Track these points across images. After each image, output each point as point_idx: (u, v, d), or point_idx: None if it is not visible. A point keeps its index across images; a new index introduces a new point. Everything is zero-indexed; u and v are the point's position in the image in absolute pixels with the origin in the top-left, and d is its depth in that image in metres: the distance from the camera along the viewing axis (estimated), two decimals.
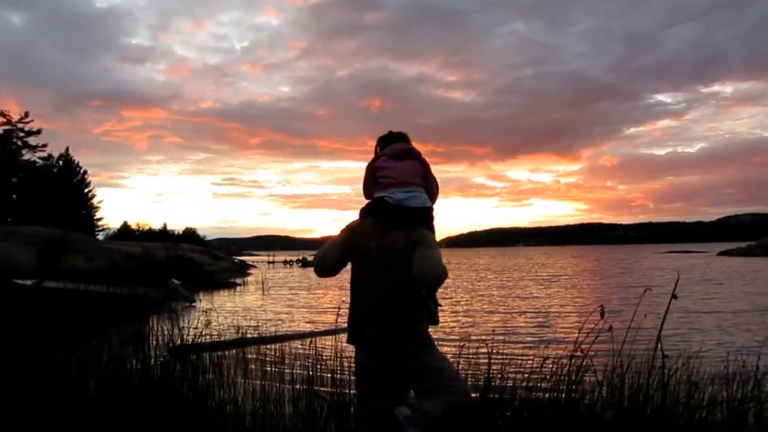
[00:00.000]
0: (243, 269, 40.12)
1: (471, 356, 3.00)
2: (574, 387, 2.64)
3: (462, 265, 47.23)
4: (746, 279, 24.57)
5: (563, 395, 2.63)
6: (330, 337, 6.45)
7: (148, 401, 2.73)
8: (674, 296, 2.51)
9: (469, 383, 2.60)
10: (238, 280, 26.99)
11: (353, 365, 2.92)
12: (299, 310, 15.83)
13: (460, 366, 2.85)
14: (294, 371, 3.36)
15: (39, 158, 37.48)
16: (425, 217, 1.88)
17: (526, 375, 2.90)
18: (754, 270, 31.09)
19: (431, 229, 1.88)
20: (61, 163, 39.74)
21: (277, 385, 3.14)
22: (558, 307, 14.65)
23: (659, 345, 2.56)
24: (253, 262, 59.66)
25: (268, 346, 4.48)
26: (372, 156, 2.01)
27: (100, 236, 40.42)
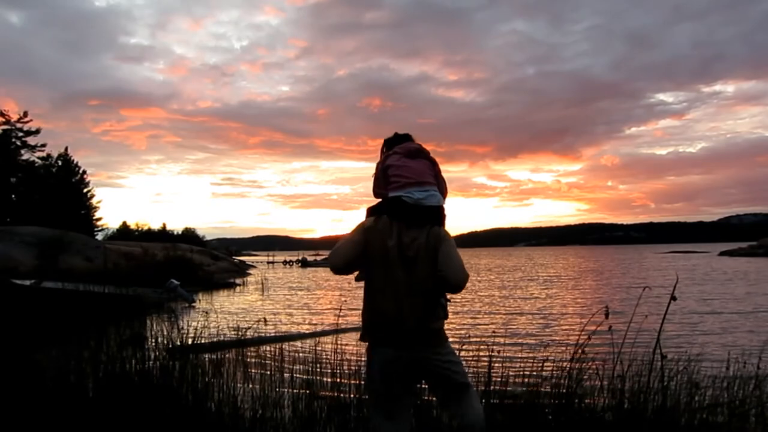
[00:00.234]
0: (242, 269, 40.11)
1: (471, 357, 3.00)
2: (574, 388, 2.63)
3: None
4: (749, 279, 24.57)
5: (564, 396, 2.62)
6: (330, 337, 6.45)
7: (147, 402, 2.72)
8: (673, 298, 2.51)
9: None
10: (237, 281, 26.97)
11: (357, 366, 2.95)
12: (299, 310, 15.82)
13: None
14: (294, 372, 3.35)
15: (38, 158, 37.47)
16: (440, 215, 1.92)
17: (526, 376, 2.90)
18: (756, 270, 31.09)
19: (444, 226, 1.93)
20: (59, 162, 39.70)
21: (277, 385, 3.13)
22: (559, 308, 14.66)
23: (658, 345, 2.56)
24: (253, 262, 59.70)
25: (268, 347, 4.46)
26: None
27: (99, 236, 40.40)
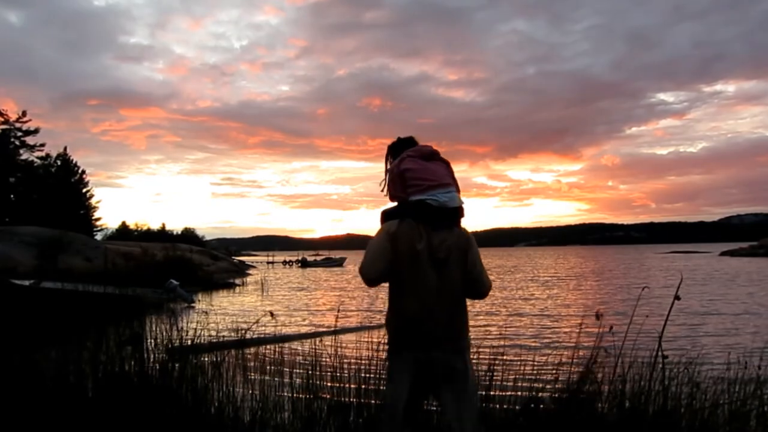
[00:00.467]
0: (242, 270, 40.09)
1: (472, 358, 2.99)
2: (575, 388, 2.63)
3: None
4: (750, 280, 24.55)
5: (565, 397, 2.62)
6: (330, 338, 6.44)
7: (147, 403, 2.71)
8: (677, 297, 2.50)
9: None
10: (237, 281, 26.96)
11: (357, 367, 2.94)
12: (299, 310, 15.81)
13: None
14: (293, 373, 3.35)
15: (37, 158, 37.44)
16: (461, 216, 1.94)
17: (527, 377, 2.89)
18: (758, 271, 31.08)
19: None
20: (59, 162, 39.68)
21: (277, 386, 3.12)
22: (560, 309, 14.66)
23: (660, 346, 2.55)
24: (252, 262, 59.66)
25: (268, 347, 4.46)
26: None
27: (99, 236, 40.39)
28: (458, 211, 1.92)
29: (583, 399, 2.63)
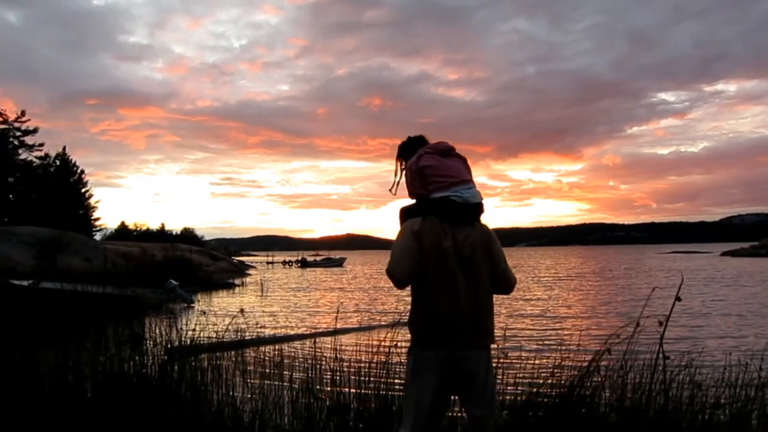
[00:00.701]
0: (241, 270, 40.08)
1: None
2: (576, 389, 2.62)
3: None
4: (752, 280, 24.50)
5: (566, 397, 2.61)
6: (329, 338, 6.43)
7: (146, 403, 2.71)
8: (678, 299, 2.50)
9: None
10: (236, 281, 26.94)
11: (357, 367, 2.93)
12: (298, 311, 15.80)
13: None
14: (293, 373, 3.34)
15: (36, 158, 37.39)
16: (481, 212, 1.95)
17: (529, 377, 2.89)
18: (759, 271, 31.06)
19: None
20: (57, 162, 39.64)
21: (276, 386, 3.11)
22: (561, 310, 14.65)
23: (661, 347, 2.55)
24: (252, 262, 59.63)
25: (267, 348, 4.45)
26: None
27: (98, 236, 40.36)
28: (479, 207, 1.92)
29: (583, 399, 2.62)
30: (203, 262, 29.50)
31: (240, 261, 52.75)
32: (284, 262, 59.66)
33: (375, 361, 2.92)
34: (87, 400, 2.86)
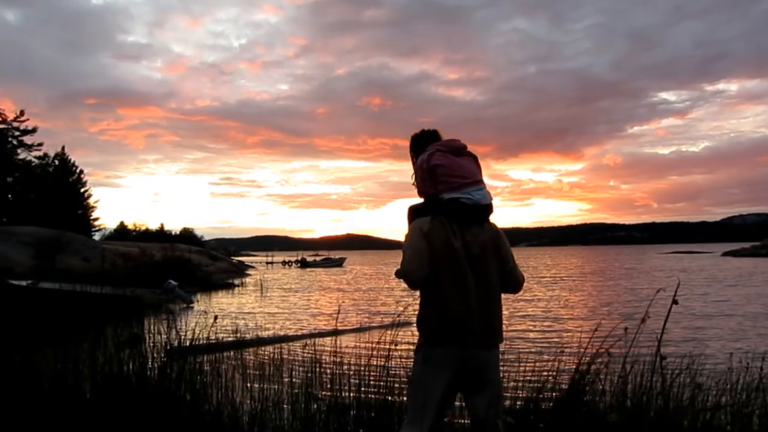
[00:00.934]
0: (241, 270, 40.05)
1: None
2: (577, 389, 2.62)
3: None
4: (755, 280, 24.46)
5: (567, 397, 2.61)
6: (329, 338, 6.43)
7: (145, 404, 2.70)
8: (675, 302, 2.50)
9: None
10: (236, 281, 26.91)
11: (357, 367, 2.93)
12: (298, 311, 15.79)
13: None
14: (292, 373, 3.33)
15: (34, 157, 37.32)
16: (491, 212, 1.95)
17: (530, 377, 2.88)
18: (761, 271, 30.99)
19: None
20: (56, 162, 39.58)
21: (276, 387, 3.11)
22: (562, 310, 14.65)
23: (659, 347, 2.55)
24: (252, 262, 59.57)
25: (267, 348, 4.44)
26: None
27: (97, 236, 40.32)
28: (489, 208, 1.93)
29: (584, 400, 2.62)
30: (202, 263, 29.48)
31: (239, 261, 52.71)
32: (284, 263, 59.63)
33: (375, 361, 2.91)
34: (86, 400, 2.85)
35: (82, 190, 41.37)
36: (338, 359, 3.10)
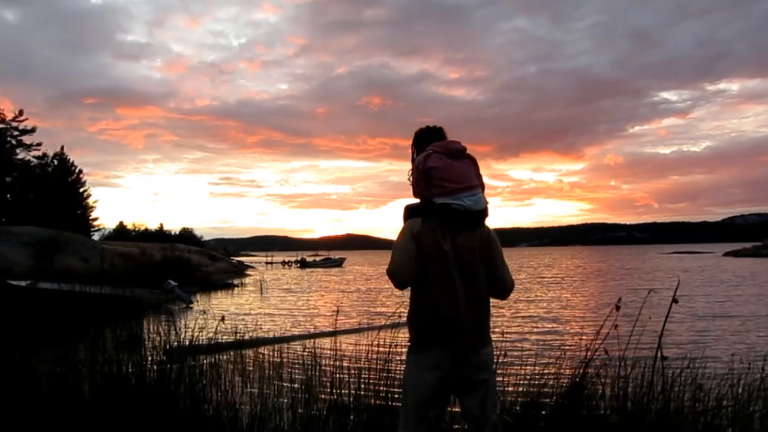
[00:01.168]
0: (241, 270, 40.02)
1: None
2: (577, 390, 2.61)
3: None
4: (757, 281, 24.40)
5: (568, 398, 2.60)
6: (328, 339, 6.42)
7: (145, 405, 2.69)
8: (675, 301, 2.49)
9: None
10: (235, 281, 26.89)
11: (357, 368, 2.92)
12: (297, 311, 15.78)
13: None
14: (292, 374, 3.32)
15: (33, 157, 37.28)
16: (485, 217, 1.94)
17: (531, 378, 2.88)
18: (763, 271, 30.93)
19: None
20: (55, 162, 39.54)
21: (275, 388, 3.10)
22: (562, 311, 14.63)
23: (659, 348, 2.54)
24: (251, 262, 59.52)
25: (266, 348, 4.43)
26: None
27: (96, 237, 40.28)
28: (483, 213, 1.91)
29: (584, 400, 2.61)
30: (202, 263, 29.46)
31: (239, 261, 52.67)
32: (283, 263, 59.59)
33: (375, 362, 2.91)
34: (85, 401, 2.84)
35: (81, 189, 41.34)
36: (338, 360, 3.10)
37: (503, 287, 1.94)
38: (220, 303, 17.33)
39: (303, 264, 54.95)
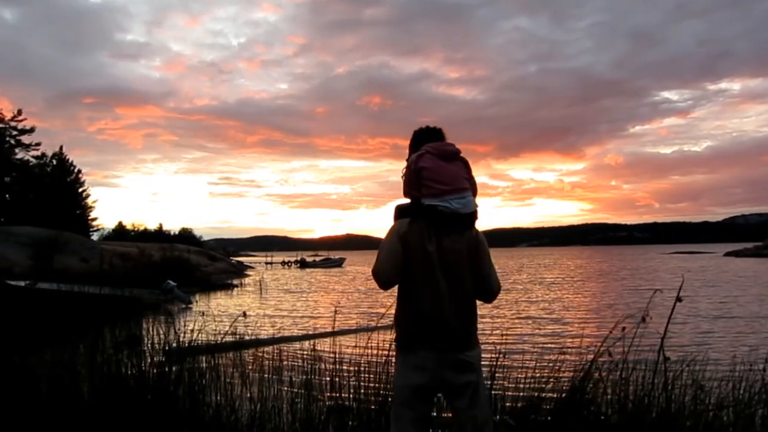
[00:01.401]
0: (240, 270, 40.02)
1: None
2: (578, 390, 2.61)
3: None
4: (758, 281, 24.35)
5: (568, 398, 2.60)
6: (328, 339, 6.40)
7: (144, 405, 2.68)
8: (679, 299, 2.48)
9: None
10: (235, 282, 26.88)
11: (357, 368, 2.91)
12: (297, 311, 15.77)
13: None
14: (292, 374, 3.32)
15: (32, 157, 37.27)
16: (474, 220, 1.93)
17: (531, 378, 2.87)
18: (765, 271, 30.91)
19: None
20: (54, 162, 39.53)
21: (275, 388, 3.09)
22: (563, 311, 14.60)
23: (662, 348, 2.53)
24: (251, 262, 59.50)
25: (266, 349, 4.43)
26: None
27: (95, 237, 40.29)
28: (471, 217, 1.91)
29: (585, 401, 2.61)
30: (201, 263, 29.45)
31: (238, 261, 52.64)
32: (283, 263, 59.57)
33: (374, 362, 2.90)
34: (84, 402, 2.83)
35: (80, 189, 41.31)
36: (337, 360, 3.09)
37: (489, 288, 1.93)
38: (220, 303, 17.31)
39: (303, 264, 54.94)
